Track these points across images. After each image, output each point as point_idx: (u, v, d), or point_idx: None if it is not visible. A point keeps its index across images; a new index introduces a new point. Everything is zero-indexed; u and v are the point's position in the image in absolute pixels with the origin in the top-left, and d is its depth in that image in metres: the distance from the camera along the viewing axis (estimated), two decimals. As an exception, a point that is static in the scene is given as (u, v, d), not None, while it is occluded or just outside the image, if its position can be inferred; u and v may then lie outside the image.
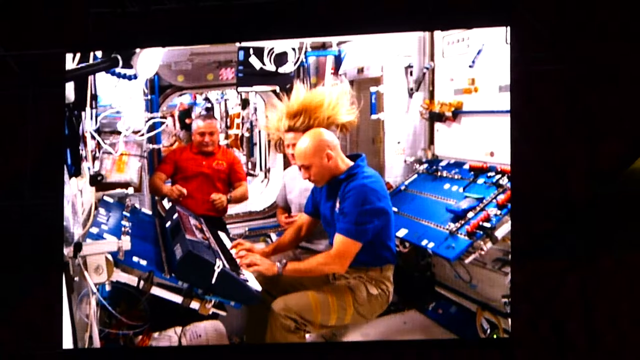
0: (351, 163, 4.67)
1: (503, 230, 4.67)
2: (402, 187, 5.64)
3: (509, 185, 4.83)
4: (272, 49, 5.69)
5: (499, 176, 4.99)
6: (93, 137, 5.41)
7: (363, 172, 4.60)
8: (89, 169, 5.31)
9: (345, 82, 5.84)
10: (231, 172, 6.04)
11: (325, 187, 4.73)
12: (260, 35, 5.52)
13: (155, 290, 4.48)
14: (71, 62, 5.10)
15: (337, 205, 4.57)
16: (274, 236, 6.24)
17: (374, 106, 5.69)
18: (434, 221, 5.01)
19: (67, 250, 4.41)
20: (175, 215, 5.16)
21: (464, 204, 4.92)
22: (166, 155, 6.17)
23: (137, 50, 5.19)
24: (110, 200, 5.55)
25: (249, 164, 7.31)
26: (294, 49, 5.75)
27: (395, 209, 4.87)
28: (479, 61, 5.25)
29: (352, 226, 4.43)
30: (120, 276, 4.44)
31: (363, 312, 4.70)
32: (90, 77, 5.36)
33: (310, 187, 5.00)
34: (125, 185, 5.67)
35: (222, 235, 5.45)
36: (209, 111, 7.45)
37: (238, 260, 4.72)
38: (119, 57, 5.15)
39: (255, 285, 4.59)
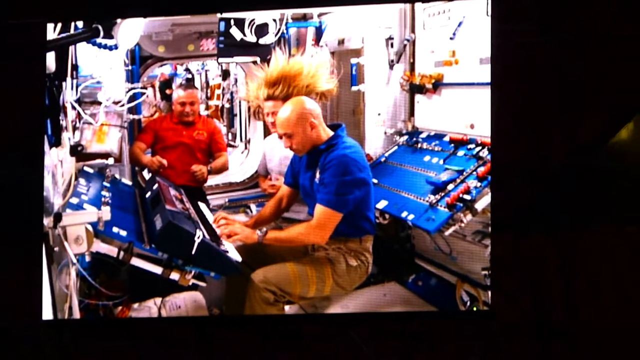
0: (331, 133, 4.69)
1: (483, 202, 4.69)
2: (382, 159, 5.64)
3: (489, 157, 4.84)
4: (253, 20, 5.67)
5: (479, 148, 5.00)
6: (73, 108, 5.40)
7: (344, 142, 4.62)
8: (69, 139, 5.30)
9: (325, 50, 5.84)
10: (211, 142, 6.05)
11: (305, 157, 4.74)
12: (241, 6, 5.50)
13: (135, 261, 4.49)
14: (52, 32, 5.08)
15: (317, 175, 4.58)
16: (254, 207, 6.25)
17: (354, 78, 5.68)
18: (414, 193, 5.01)
19: (47, 221, 4.39)
20: (155, 186, 5.16)
21: (444, 176, 4.92)
22: (146, 125, 6.16)
23: (118, 20, 5.17)
24: (91, 170, 5.52)
25: (229, 135, 7.30)
26: (275, 20, 5.73)
27: (375, 181, 4.89)
28: (459, 33, 5.25)
29: (333, 197, 4.45)
30: (100, 247, 4.44)
31: (342, 284, 4.73)
32: (71, 47, 5.35)
33: (290, 156, 5.00)
34: (106, 155, 5.66)
35: (202, 205, 5.45)
36: (190, 81, 7.43)
37: (218, 231, 4.73)
38: (100, 27, 5.13)
39: (235, 255, 4.60)
